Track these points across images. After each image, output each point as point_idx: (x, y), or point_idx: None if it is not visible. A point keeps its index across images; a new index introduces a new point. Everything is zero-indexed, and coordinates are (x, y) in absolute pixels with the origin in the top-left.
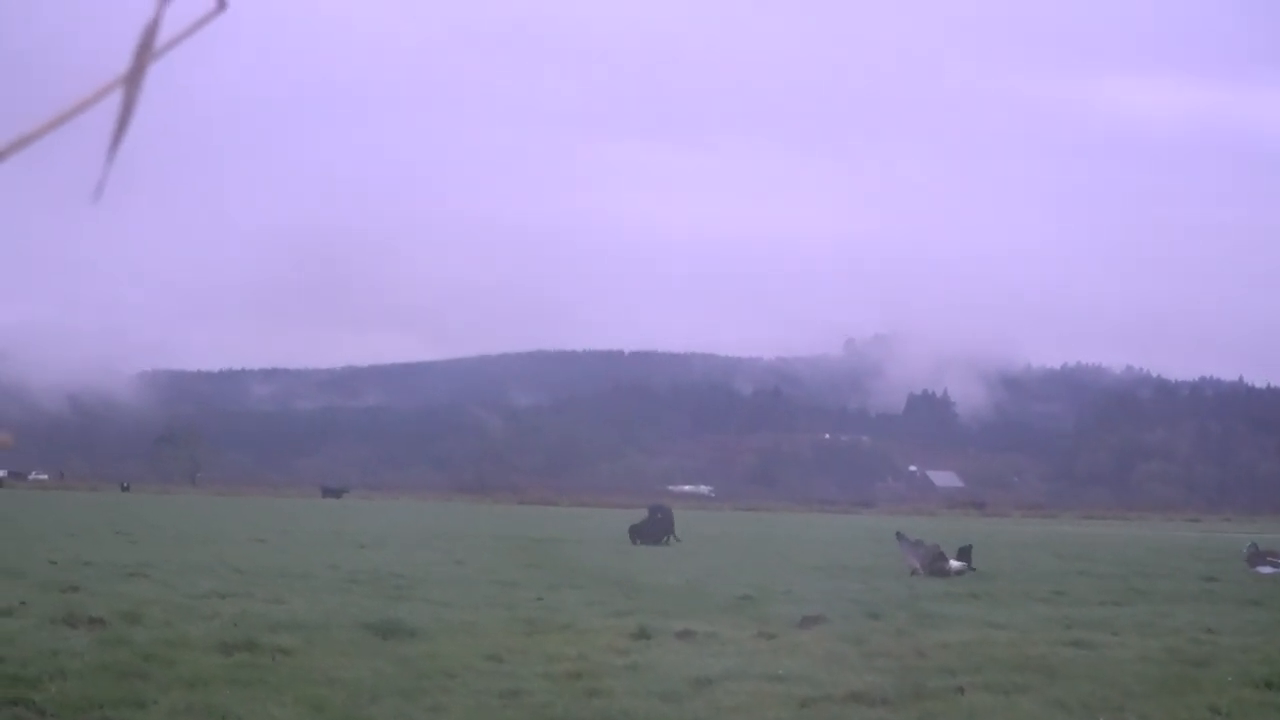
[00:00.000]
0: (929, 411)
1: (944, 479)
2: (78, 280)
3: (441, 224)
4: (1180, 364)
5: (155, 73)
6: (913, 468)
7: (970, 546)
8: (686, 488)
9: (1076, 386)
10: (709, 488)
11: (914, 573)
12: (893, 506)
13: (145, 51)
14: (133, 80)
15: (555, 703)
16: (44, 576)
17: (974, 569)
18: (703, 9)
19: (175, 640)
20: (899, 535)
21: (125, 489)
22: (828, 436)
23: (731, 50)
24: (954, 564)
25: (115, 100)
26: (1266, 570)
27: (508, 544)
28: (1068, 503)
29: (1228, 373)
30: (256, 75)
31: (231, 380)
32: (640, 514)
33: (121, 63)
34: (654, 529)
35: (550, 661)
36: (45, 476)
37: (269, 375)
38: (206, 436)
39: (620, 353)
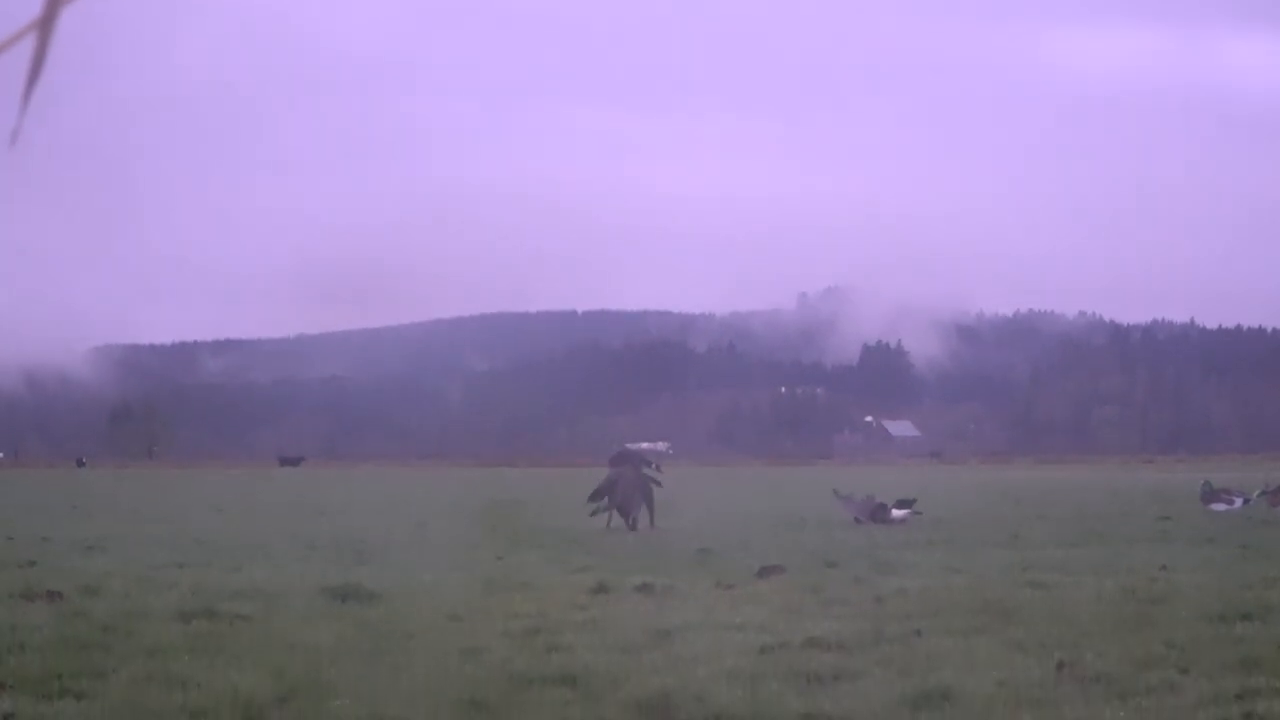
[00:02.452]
0: (884, 363)
1: (901, 429)
2: (27, 260)
3: (390, 188)
4: (1132, 308)
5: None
6: (869, 419)
7: (914, 499)
8: (645, 445)
9: (1030, 334)
10: (667, 445)
11: (858, 522)
12: (850, 458)
13: None
14: (45, 25)
15: (515, 658)
16: (1, 553)
17: (919, 513)
18: None
19: (134, 611)
20: (835, 494)
21: (81, 465)
22: (783, 390)
23: (678, 11)
24: (898, 512)
25: (29, 46)
26: (1220, 508)
27: (467, 508)
28: (1024, 449)
29: (1179, 315)
30: (201, 45)
31: (184, 353)
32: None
33: (34, 7)
34: (624, 493)
35: (510, 619)
36: (1, 455)
37: (222, 347)
38: (161, 410)
39: (574, 313)
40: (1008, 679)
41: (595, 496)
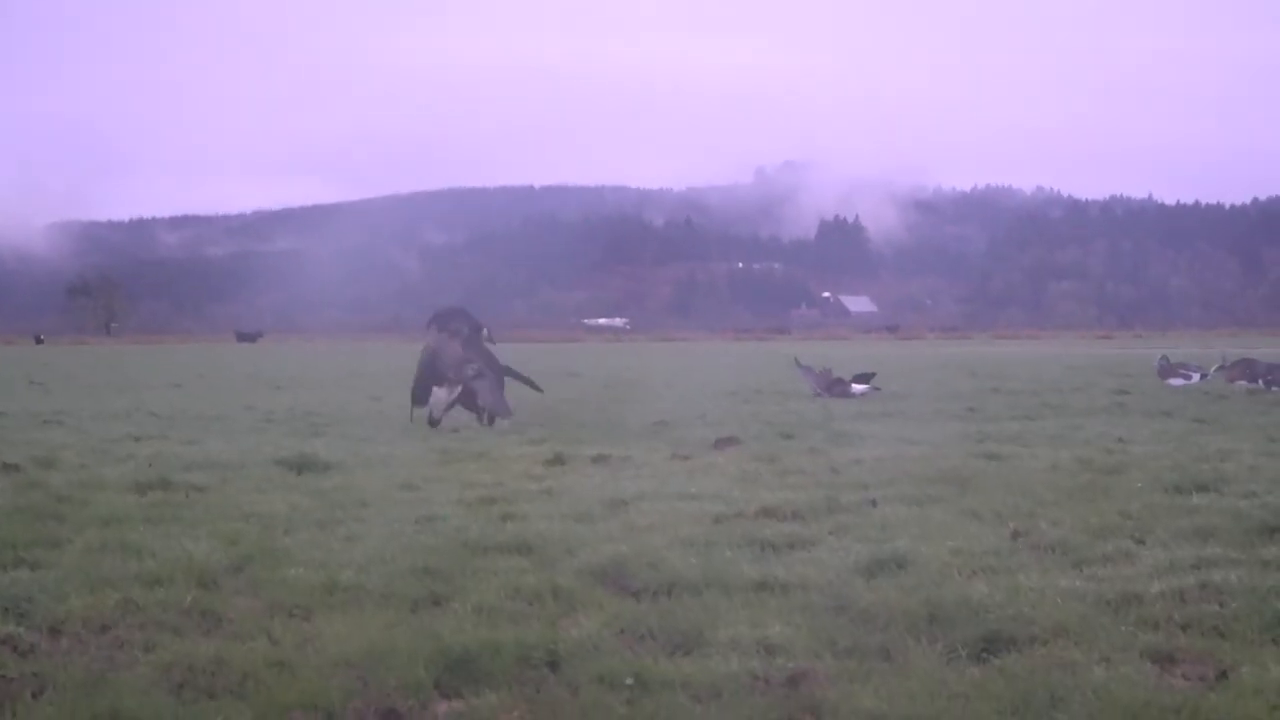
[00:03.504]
0: (841, 237)
1: (858, 304)
2: None
3: (348, 63)
4: (1090, 183)
5: None
6: (826, 294)
7: (873, 374)
8: (602, 320)
9: (988, 208)
10: (624, 320)
11: (818, 395)
12: (807, 333)
13: None
14: None
15: (470, 526)
16: None
17: (878, 389)
18: None
19: (90, 482)
20: (797, 362)
21: (39, 341)
22: (740, 265)
23: None
24: (857, 387)
25: None
26: (1177, 382)
27: None
28: (982, 324)
29: (1137, 190)
30: None
31: (142, 229)
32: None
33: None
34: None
35: (465, 488)
36: None
37: (179, 223)
38: (119, 287)
39: (531, 187)
40: (963, 547)
41: (421, 384)
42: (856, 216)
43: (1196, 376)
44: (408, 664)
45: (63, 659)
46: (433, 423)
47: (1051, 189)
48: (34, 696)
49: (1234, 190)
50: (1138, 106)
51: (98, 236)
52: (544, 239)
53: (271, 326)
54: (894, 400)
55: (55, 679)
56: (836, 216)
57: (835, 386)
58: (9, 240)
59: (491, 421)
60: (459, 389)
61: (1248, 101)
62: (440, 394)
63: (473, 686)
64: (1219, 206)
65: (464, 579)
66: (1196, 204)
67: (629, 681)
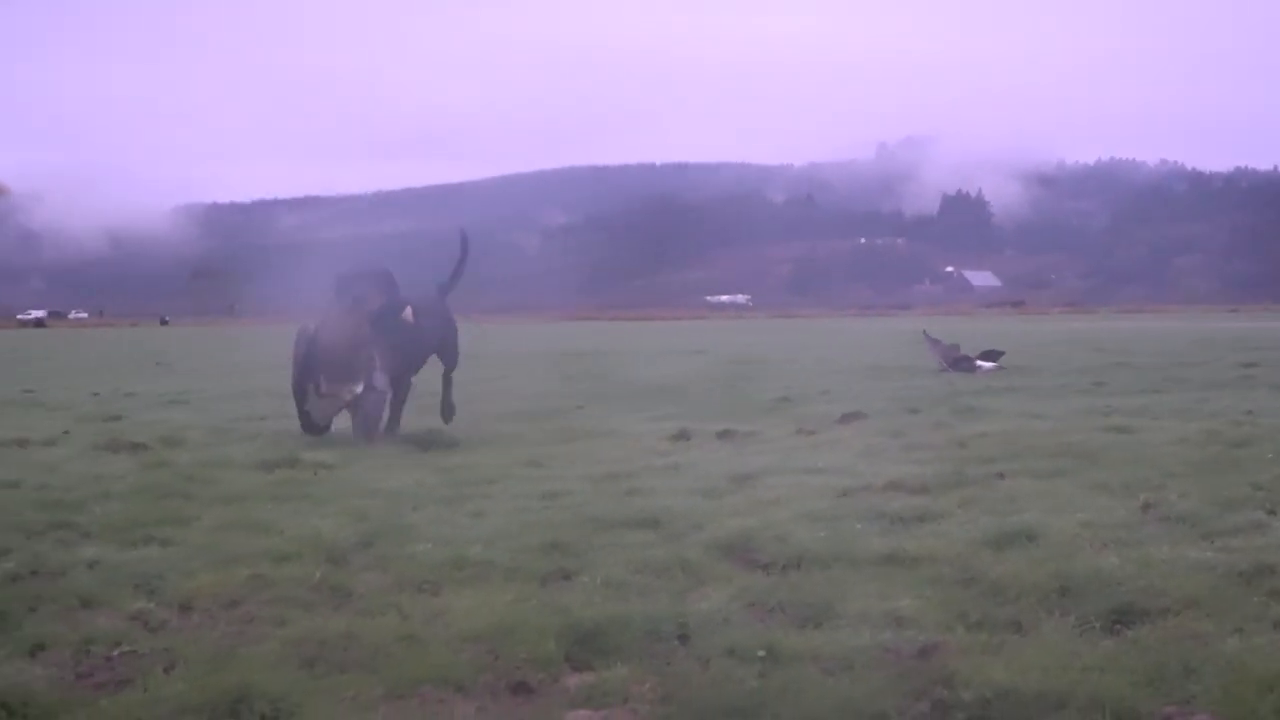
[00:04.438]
0: (964, 212)
1: (981, 279)
2: (110, 122)
3: (466, 42)
4: (1214, 156)
5: None
6: (949, 269)
7: (1002, 353)
8: (724, 298)
9: (1111, 182)
10: (746, 297)
11: (942, 370)
12: (930, 309)
13: None
14: None
15: (596, 501)
16: (86, 408)
17: (1003, 368)
18: None
19: (216, 461)
20: (925, 334)
21: (164, 323)
22: (862, 241)
23: None
24: (983, 364)
25: None
26: None
27: (548, 360)
28: (1105, 299)
29: (1262, 163)
30: None
31: (263, 211)
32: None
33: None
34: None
35: (590, 464)
36: (85, 315)
37: (300, 204)
38: (242, 268)
39: (652, 165)
40: (1092, 519)
41: (297, 377)
42: (979, 191)
43: None
44: (537, 637)
45: (193, 634)
46: (313, 428)
47: (1175, 162)
48: (165, 671)
49: None
50: (1262, 77)
51: (221, 219)
52: (665, 217)
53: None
54: (1019, 375)
55: (185, 654)
56: (959, 191)
57: (960, 362)
58: (134, 223)
59: (368, 440)
60: (338, 401)
61: None
62: (312, 398)
63: (602, 659)
64: None
65: (591, 554)
66: None
67: (760, 654)
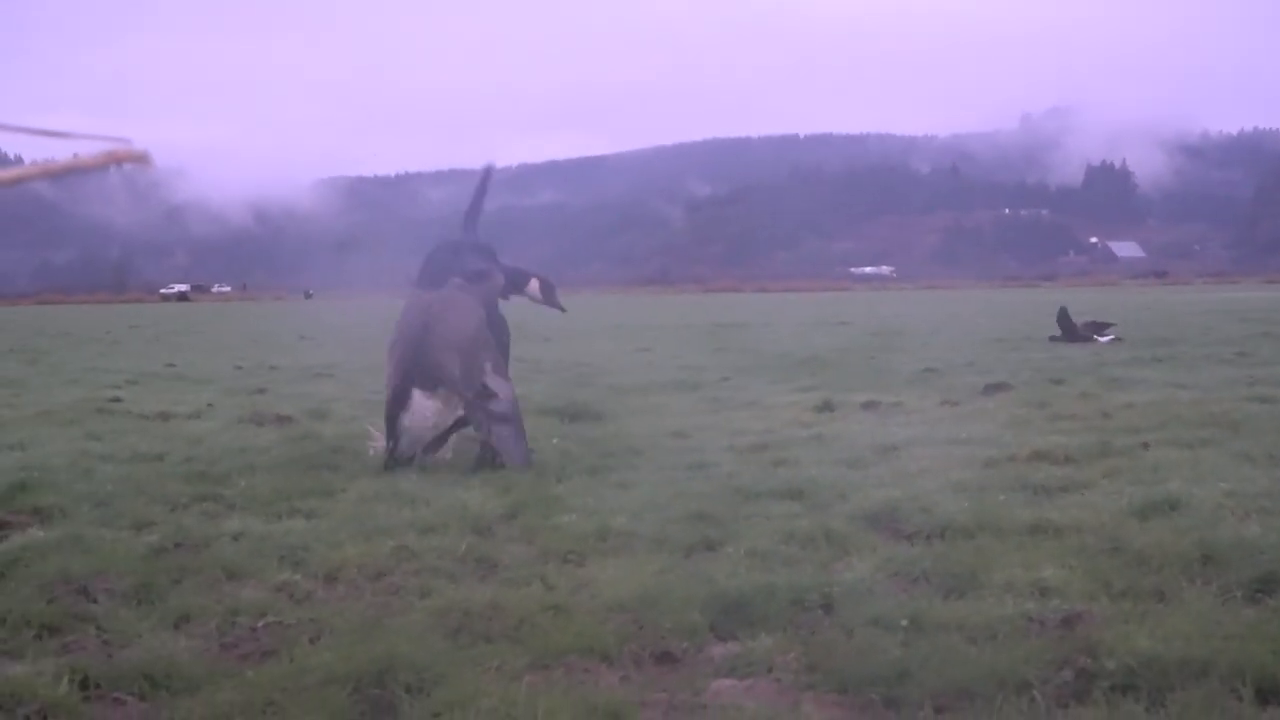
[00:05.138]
0: (1108, 183)
1: (1125, 250)
2: (255, 97)
3: (611, 13)
4: None
5: None
6: (1093, 240)
7: (1113, 324)
8: (869, 269)
9: (1256, 152)
10: (890, 268)
11: (1054, 339)
12: (1075, 279)
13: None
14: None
15: (742, 472)
16: (231, 382)
17: (1120, 339)
18: None
19: (362, 433)
20: (1062, 311)
21: (308, 297)
22: (1007, 212)
23: None
24: (1100, 337)
25: None
26: None
27: (692, 331)
28: (1250, 269)
29: None
30: None
31: (406, 184)
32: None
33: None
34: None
35: (736, 435)
36: (228, 289)
37: (443, 178)
38: (385, 242)
39: (795, 136)
40: (1236, 489)
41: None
42: (1124, 161)
43: None
44: (682, 607)
45: (338, 605)
46: (399, 461)
47: None
48: (310, 642)
49: None
50: None
51: (364, 192)
52: (808, 189)
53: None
54: (1164, 345)
55: (331, 624)
56: (1104, 162)
57: (1084, 331)
58: (279, 196)
59: (493, 463)
60: (461, 408)
61: None
62: (425, 408)
63: (748, 629)
64: None
65: (736, 524)
66: None
67: (904, 623)
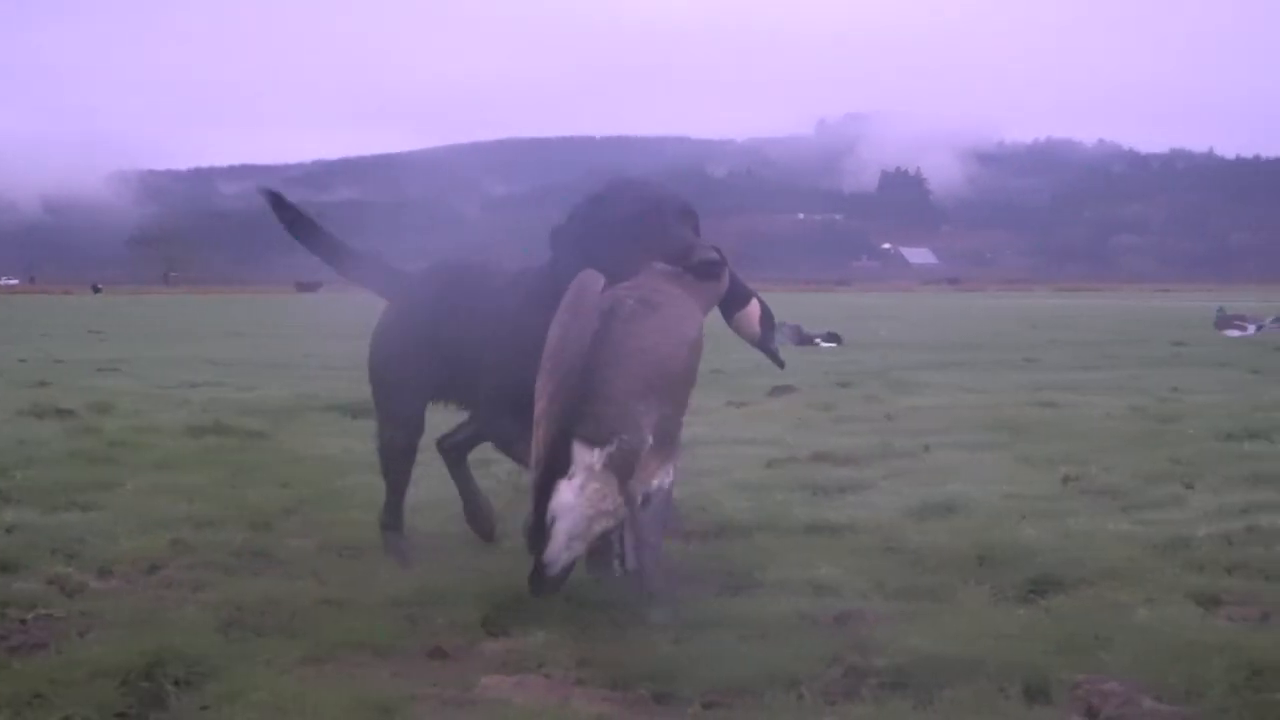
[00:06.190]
0: (903, 189)
1: (918, 256)
2: (46, 87)
3: (409, 11)
4: (1152, 136)
5: None
6: (887, 246)
7: (838, 335)
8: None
9: (1050, 162)
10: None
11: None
12: (869, 285)
13: None
14: None
15: (523, 470)
16: (14, 375)
17: (842, 344)
18: None
19: (144, 427)
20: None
21: (97, 290)
22: (801, 217)
23: None
24: (822, 343)
25: None
26: (1234, 333)
27: None
28: (1044, 277)
29: (1198, 144)
30: None
31: (201, 179)
32: None
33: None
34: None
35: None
36: (15, 281)
37: (239, 173)
38: (179, 236)
39: (592, 138)
40: (1014, 491)
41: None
42: (918, 169)
43: (1254, 328)
44: (457, 603)
45: (111, 598)
46: (551, 581)
47: (1113, 142)
48: (80, 635)
49: None
50: (1199, 60)
51: (158, 186)
52: None
53: (333, 277)
54: (954, 350)
55: (103, 617)
56: (898, 168)
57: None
58: (70, 190)
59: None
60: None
61: None
62: (600, 486)
63: (521, 626)
64: None
65: (518, 520)
66: (1258, 158)
67: (677, 621)
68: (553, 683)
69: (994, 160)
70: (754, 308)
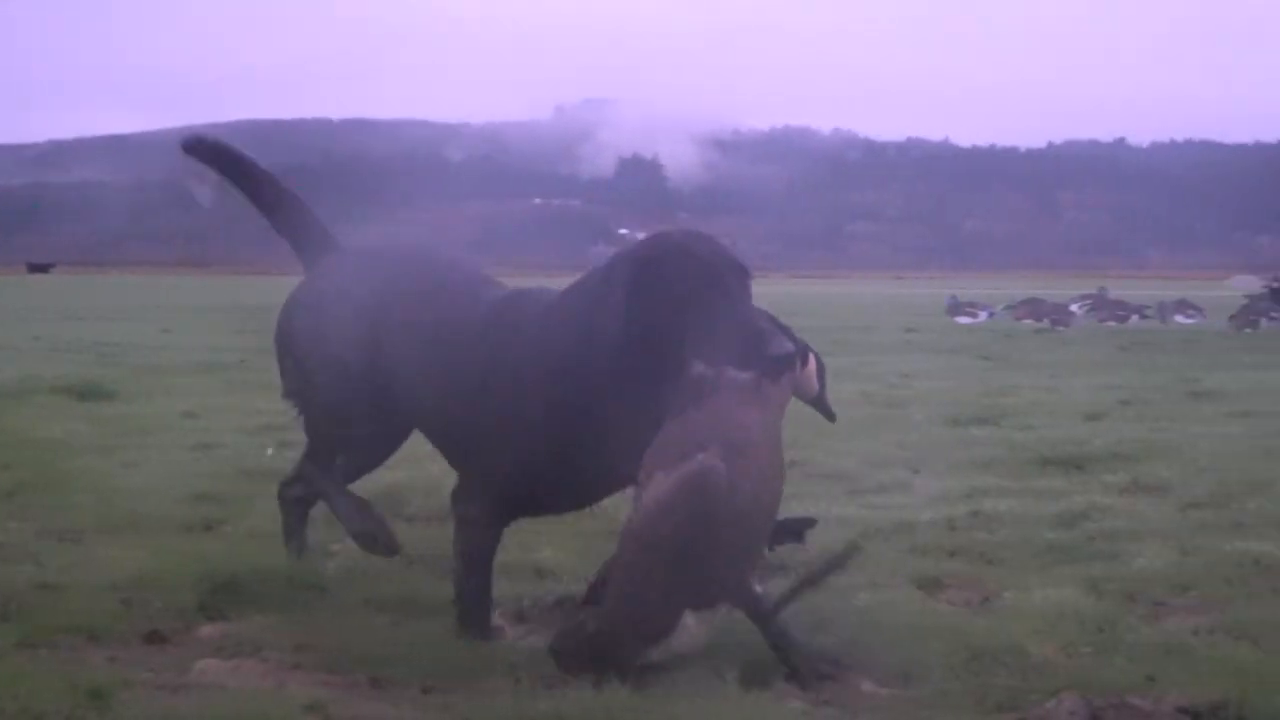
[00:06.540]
0: (639, 175)
1: None
2: None
3: None
4: (887, 124)
5: None
6: (623, 231)
7: None
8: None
9: (787, 149)
10: None
11: None
12: None
13: None
14: None
15: (247, 454)
16: None
17: None
18: None
19: None
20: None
21: None
22: (538, 202)
23: None
24: None
25: None
26: (965, 320)
27: (219, 313)
28: (781, 265)
29: (934, 133)
30: None
31: None
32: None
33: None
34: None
35: (245, 416)
36: None
37: None
38: None
39: (329, 121)
40: None
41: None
42: (655, 155)
43: (984, 315)
44: (175, 587)
45: None
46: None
47: (849, 130)
48: None
49: (1029, 134)
50: (935, 48)
51: None
52: (344, 175)
53: (68, 258)
54: None
55: None
56: (635, 154)
57: None
58: None
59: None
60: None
61: (1042, 46)
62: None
63: (239, 610)
64: (1014, 150)
65: (238, 504)
66: (992, 147)
67: (395, 605)
68: (269, 666)
69: (731, 147)
70: (812, 365)
